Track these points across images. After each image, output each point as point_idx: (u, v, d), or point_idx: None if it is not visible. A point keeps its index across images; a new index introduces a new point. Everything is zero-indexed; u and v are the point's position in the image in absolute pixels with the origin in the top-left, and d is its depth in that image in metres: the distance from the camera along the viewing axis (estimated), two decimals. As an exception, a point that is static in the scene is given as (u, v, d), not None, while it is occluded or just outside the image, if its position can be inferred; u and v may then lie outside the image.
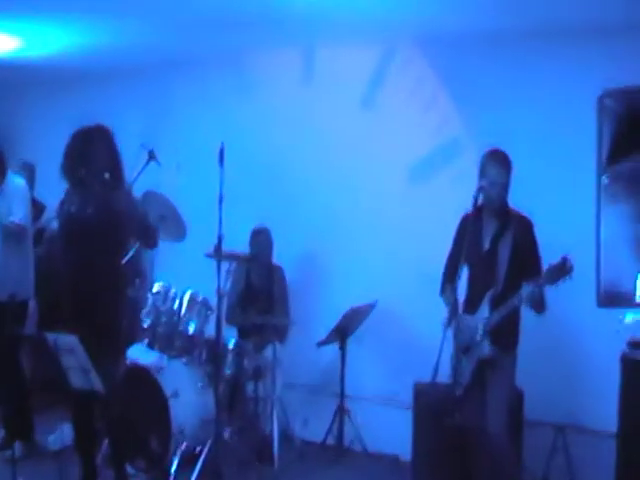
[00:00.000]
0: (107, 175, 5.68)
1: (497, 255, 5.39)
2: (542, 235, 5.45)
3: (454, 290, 5.53)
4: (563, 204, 6.54)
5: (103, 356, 5.29)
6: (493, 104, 6.91)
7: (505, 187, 5.41)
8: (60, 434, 6.08)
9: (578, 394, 6.49)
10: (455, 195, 5.94)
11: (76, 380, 5.11)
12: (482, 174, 5.43)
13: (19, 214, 6.74)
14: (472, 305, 5.49)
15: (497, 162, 5.41)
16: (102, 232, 5.57)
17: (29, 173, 7.96)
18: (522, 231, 5.39)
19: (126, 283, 5.92)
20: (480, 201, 5.45)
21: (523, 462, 6.04)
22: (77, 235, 5.62)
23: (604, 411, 5.98)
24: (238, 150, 6.60)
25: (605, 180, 5.72)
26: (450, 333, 5.44)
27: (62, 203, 5.82)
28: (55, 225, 6.44)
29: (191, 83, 8.68)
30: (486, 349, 5.32)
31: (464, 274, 5.53)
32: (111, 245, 5.63)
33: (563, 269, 4.96)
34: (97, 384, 5.06)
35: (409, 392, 6.62)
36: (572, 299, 5.90)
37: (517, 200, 5.51)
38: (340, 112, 7.75)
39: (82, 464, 5.80)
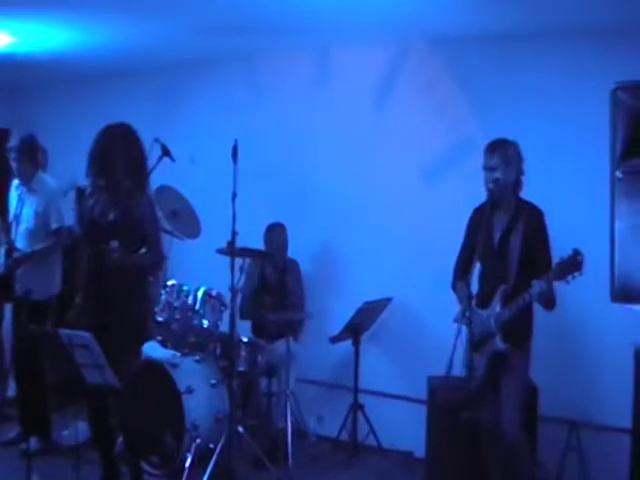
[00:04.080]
0: (129, 178, 5.70)
1: (508, 249, 5.38)
2: (556, 230, 5.44)
3: (467, 284, 5.52)
4: (577, 199, 6.53)
5: (118, 352, 5.32)
6: (506, 102, 6.90)
7: (501, 174, 5.40)
8: (75, 430, 6.09)
9: (592, 390, 6.48)
10: (469, 193, 5.93)
11: (90, 376, 5.13)
12: None
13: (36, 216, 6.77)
14: (484, 299, 5.48)
15: (487, 150, 5.48)
16: (120, 236, 5.58)
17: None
18: (532, 221, 5.38)
19: (141, 280, 5.90)
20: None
21: (537, 458, 6.04)
22: (96, 238, 5.62)
23: (618, 407, 5.97)
24: (252, 148, 6.64)
25: (619, 174, 5.67)
26: (463, 327, 5.44)
27: (84, 204, 5.87)
28: (76, 228, 6.47)
29: (204, 82, 8.71)
30: (498, 344, 5.31)
31: (476, 268, 5.55)
32: (128, 246, 5.62)
33: (574, 264, 4.94)
34: (112, 379, 5.08)
35: (423, 387, 6.61)
36: (586, 294, 5.88)
37: (531, 195, 5.51)
38: (354, 111, 7.76)
39: (101, 459, 5.84)
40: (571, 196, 6.53)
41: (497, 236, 5.48)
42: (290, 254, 7.78)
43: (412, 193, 7.43)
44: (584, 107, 6.51)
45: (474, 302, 5.50)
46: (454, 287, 5.75)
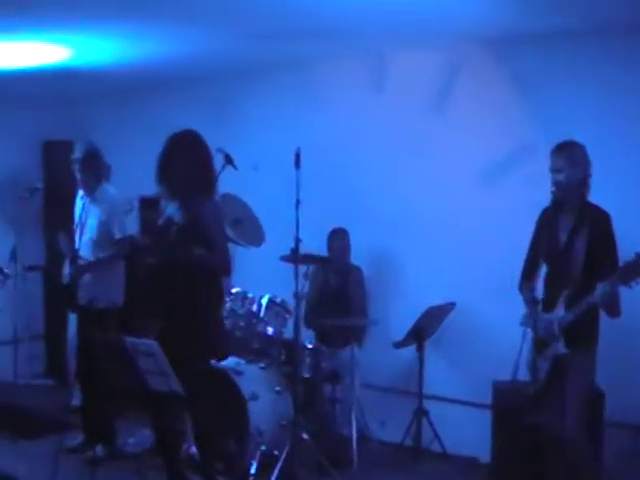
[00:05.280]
0: (194, 183, 5.76)
1: (573, 252, 5.32)
2: (620, 232, 5.36)
3: (531, 288, 5.50)
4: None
5: (181, 360, 5.35)
6: (565, 103, 6.80)
7: (566, 176, 5.35)
8: (140, 437, 6.14)
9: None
10: (529, 196, 5.91)
11: (155, 383, 5.17)
12: None
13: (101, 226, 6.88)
14: (550, 303, 5.42)
15: (553, 151, 5.44)
16: (183, 239, 5.63)
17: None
18: (598, 225, 5.31)
19: (210, 288, 5.94)
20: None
21: (602, 464, 5.96)
22: (158, 241, 5.68)
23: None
24: (312, 154, 6.62)
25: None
26: (529, 331, 5.42)
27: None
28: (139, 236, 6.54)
29: (264, 89, 8.73)
30: (561, 348, 5.27)
31: (543, 271, 5.52)
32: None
33: (637, 267, 4.86)
34: (177, 386, 5.11)
35: (488, 392, 6.58)
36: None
37: (596, 198, 5.45)
38: (411, 115, 7.71)
39: (165, 465, 5.88)
40: (635, 196, 6.44)
41: (563, 238, 5.43)
42: (352, 260, 7.78)
43: (472, 196, 7.37)
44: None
45: (541, 305, 5.47)
46: (521, 289, 5.73)
